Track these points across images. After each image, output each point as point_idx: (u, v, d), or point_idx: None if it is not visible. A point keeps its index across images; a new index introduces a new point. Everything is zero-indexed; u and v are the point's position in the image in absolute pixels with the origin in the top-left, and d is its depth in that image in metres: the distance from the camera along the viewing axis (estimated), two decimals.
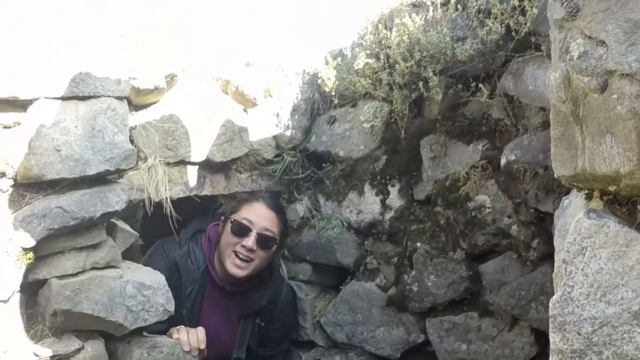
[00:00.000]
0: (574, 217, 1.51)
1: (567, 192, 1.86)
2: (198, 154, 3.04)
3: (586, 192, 1.55)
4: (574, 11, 1.36)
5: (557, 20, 1.40)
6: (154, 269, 2.80)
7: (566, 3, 1.37)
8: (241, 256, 2.97)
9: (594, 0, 1.32)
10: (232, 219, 3.02)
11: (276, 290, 3.25)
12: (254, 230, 2.99)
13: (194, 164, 3.07)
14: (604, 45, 1.30)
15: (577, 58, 1.35)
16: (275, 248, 3.16)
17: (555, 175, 1.61)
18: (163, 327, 2.68)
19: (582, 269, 1.39)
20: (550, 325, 1.43)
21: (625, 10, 1.27)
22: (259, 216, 3.04)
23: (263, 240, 3.01)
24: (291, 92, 3.44)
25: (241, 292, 3.13)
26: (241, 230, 2.99)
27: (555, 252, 1.67)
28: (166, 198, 2.92)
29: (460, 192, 3.00)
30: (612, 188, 1.41)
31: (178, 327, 2.70)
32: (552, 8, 1.46)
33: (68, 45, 2.47)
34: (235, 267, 2.98)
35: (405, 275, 3.19)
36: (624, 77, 1.26)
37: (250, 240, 2.97)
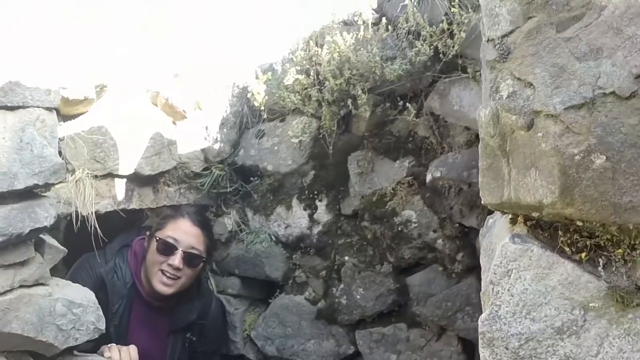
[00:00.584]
0: (499, 239, 1.61)
1: (492, 211, 1.98)
2: (126, 166, 2.96)
3: (510, 216, 1.66)
4: (505, 54, 1.46)
5: (489, 61, 1.50)
6: (79, 284, 2.74)
7: (498, 46, 1.47)
8: (168, 274, 2.94)
9: (524, 44, 1.43)
10: (157, 237, 2.96)
11: (205, 305, 3.22)
12: (180, 249, 2.94)
13: (122, 177, 2.99)
14: (532, 87, 1.41)
15: (506, 97, 1.46)
16: (202, 265, 3.15)
17: (482, 202, 1.71)
18: (90, 346, 2.60)
19: (508, 290, 1.49)
20: (480, 341, 1.52)
21: (553, 55, 1.38)
22: (184, 234, 2.99)
23: (189, 258, 2.97)
24: (220, 105, 3.43)
25: (169, 307, 3.09)
26: (167, 249, 2.93)
27: (482, 271, 1.78)
28: (92, 212, 2.86)
29: (386, 207, 3.09)
30: (535, 214, 1.52)
31: (110, 345, 2.63)
32: (484, 49, 1.56)
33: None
34: (162, 285, 2.94)
35: (334, 289, 3.24)
36: (549, 117, 1.37)
37: (176, 259, 2.91)
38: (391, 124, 3.15)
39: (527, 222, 1.58)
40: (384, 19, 3.05)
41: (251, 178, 3.45)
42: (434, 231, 3.00)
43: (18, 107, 2.42)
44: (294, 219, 3.34)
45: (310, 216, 3.32)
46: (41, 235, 2.54)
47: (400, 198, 3.08)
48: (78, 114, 2.86)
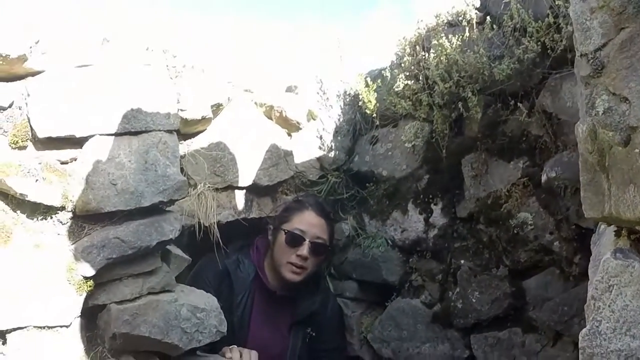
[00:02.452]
0: (605, 249, 1.61)
1: None
2: (245, 178, 3.24)
3: (615, 228, 1.64)
4: (599, 68, 1.44)
5: (583, 77, 1.49)
6: (204, 277, 3.03)
7: (592, 61, 1.45)
8: (297, 265, 3.17)
9: (618, 57, 1.40)
10: (285, 230, 3.22)
11: (324, 299, 3.43)
12: (307, 240, 3.20)
13: (241, 188, 3.27)
14: (627, 102, 1.38)
15: (602, 113, 1.44)
16: (326, 253, 3.37)
17: (585, 216, 1.72)
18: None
19: (609, 305, 1.48)
20: (580, 356, 1.52)
21: None
22: (310, 225, 3.24)
23: (316, 248, 3.23)
24: (333, 114, 3.62)
25: (291, 298, 3.32)
26: (295, 240, 3.20)
27: (589, 282, 1.80)
28: (214, 223, 3.13)
29: (502, 209, 3.11)
30: (639, 227, 1.50)
31: (231, 346, 2.89)
32: (578, 65, 1.55)
33: (118, 83, 2.71)
34: (292, 274, 3.19)
35: (450, 292, 3.31)
36: None
37: (304, 249, 3.18)
38: (504, 124, 3.17)
39: (631, 236, 1.56)
40: (488, 18, 3.10)
41: (367, 184, 3.61)
42: (551, 233, 2.99)
43: (141, 132, 2.75)
44: (410, 223, 3.45)
45: (426, 220, 3.41)
46: (168, 247, 2.84)
47: (516, 200, 3.09)
48: (197, 132, 3.16)
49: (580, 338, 1.53)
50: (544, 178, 2.93)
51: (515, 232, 3.07)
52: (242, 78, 3.38)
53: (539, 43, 2.91)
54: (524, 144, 3.11)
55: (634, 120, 1.37)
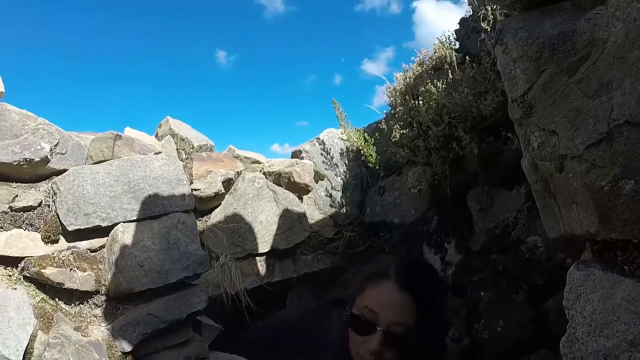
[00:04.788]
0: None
1: None
2: (264, 245, 3.46)
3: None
4: (529, 110, 1.59)
5: (516, 119, 1.66)
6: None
7: (521, 104, 1.61)
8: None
9: (542, 97, 1.53)
10: (349, 311, 1.94)
11: None
12: (380, 328, 1.86)
13: (261, 254, 3.48)
14: (555, 134, 1.52)
15: (537, 148, 1.59)
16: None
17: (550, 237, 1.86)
18: None
19: (580, 312, 1.58)
20: None
21: (568, 100, 1.47)
22: (385, 306, 1.90)
23: (391, 340, 1.85)
24: (339, 171, 3.79)
25: None
26: (362, 327, 1.90)
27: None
28: (241, 290, 3.29)
29: (511, 237, 3.24)
30: (598, 238, 1.59)
31: None
32: (511, 110, 1.71)
33: (134, 173, 2.94)
34: None
35: (476, 325, 3.41)
36: (574, 158, 1.47)
37: (373, 342, 1.86)
38: (500, 155, 3.32)
39: (593, 247, 1.66)
40: (467, 57, 3.32)
41: (380, 233, 3.80)
42: (561, 251, 3.06)
43: (160, 215, 2.97)
44: None
45: (442, 259, 3.55)
46: (198, 317, 3.01)
47: (523, 225, 3.20)
48: (213, 207, 3.36)
49: (561, 345, 1.66)
50: None
51: (527, 256, 3.17)
52: (249, 152, 3.59)
53: None
54: (522, 170, 3.21)
55: (562, 149, 1.50)
